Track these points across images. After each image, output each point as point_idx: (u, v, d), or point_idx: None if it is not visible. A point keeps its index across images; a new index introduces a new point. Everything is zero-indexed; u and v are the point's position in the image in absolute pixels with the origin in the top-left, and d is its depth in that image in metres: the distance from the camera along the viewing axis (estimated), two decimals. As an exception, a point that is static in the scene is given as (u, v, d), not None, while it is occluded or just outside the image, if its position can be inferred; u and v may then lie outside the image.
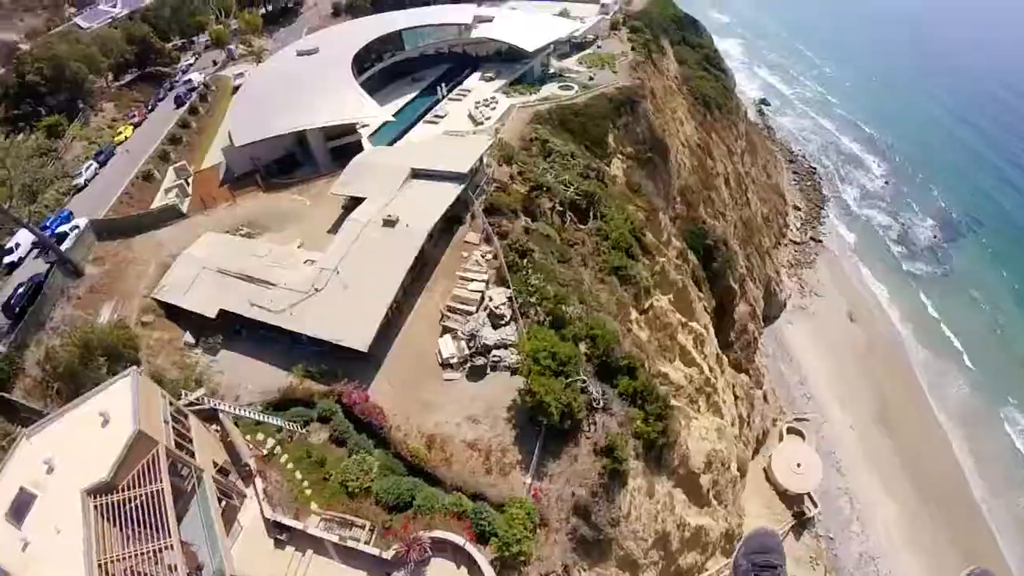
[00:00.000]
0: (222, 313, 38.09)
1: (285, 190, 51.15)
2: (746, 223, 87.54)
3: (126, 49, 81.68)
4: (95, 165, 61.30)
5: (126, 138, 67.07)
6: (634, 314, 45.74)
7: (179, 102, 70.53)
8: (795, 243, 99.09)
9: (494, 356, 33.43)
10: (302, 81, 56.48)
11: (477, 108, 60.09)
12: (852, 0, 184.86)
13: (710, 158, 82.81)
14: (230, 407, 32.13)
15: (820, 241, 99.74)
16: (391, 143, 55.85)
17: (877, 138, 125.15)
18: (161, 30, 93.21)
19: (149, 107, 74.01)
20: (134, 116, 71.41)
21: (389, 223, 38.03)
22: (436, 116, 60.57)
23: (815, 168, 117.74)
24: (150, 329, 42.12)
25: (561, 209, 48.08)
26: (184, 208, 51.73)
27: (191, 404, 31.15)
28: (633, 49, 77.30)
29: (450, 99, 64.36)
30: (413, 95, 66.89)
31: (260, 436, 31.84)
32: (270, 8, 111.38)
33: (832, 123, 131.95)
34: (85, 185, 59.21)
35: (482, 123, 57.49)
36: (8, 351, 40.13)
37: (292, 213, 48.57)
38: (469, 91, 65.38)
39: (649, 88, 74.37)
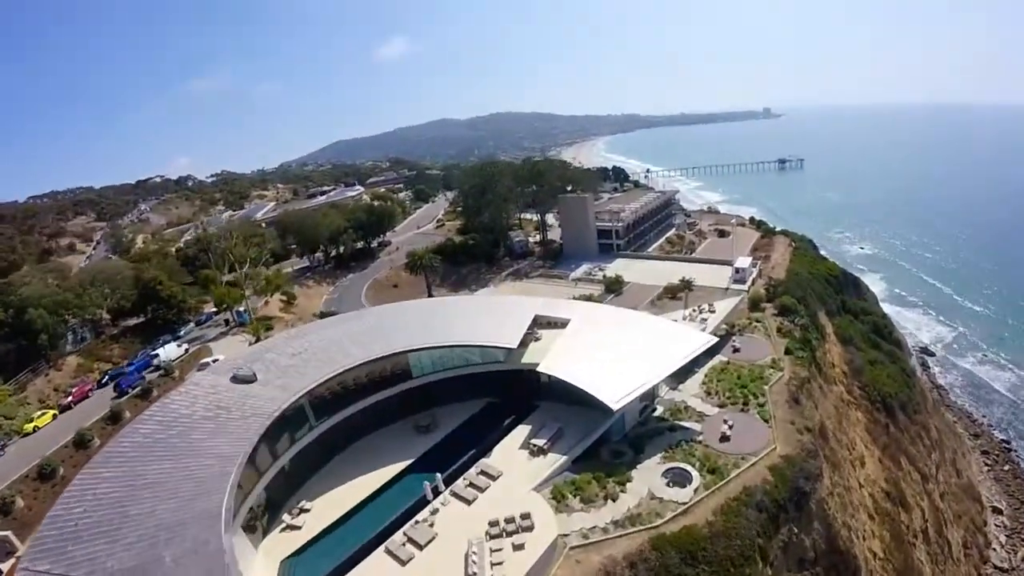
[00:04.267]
0: None
1: None
2: (949, 584, 55.89)
3: (128, 293, 70.36)
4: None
5: (36, 429, 50.57)
6: None
7: (120, 390, 55.00)
8: (1002, 571, 64.77)
9: None
10: (182, 458, 34.16)
11: (490, 540, 31.89)
12: (1001, 233, 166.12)
13: (903, 510, 54.72)
14: None
15: (1038, 567, 63.53)
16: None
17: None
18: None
19: (103, 380, 58.41)
20: (70, 395, 55.08)
21: None
22: (411, 540, 33.22)
23: (1009, 444, 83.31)
24: None
25: None
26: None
27: None
28: (788, 352, 51.68)
29: (454, 493, 36.89)
30: (403, 465, 40.95)
31: None
32: (342, 250, 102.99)
33: (1010, 375, 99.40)
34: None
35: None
36: None
37: None
38: (494, 477, 37.78)
39: (818, 424, 45.74)
